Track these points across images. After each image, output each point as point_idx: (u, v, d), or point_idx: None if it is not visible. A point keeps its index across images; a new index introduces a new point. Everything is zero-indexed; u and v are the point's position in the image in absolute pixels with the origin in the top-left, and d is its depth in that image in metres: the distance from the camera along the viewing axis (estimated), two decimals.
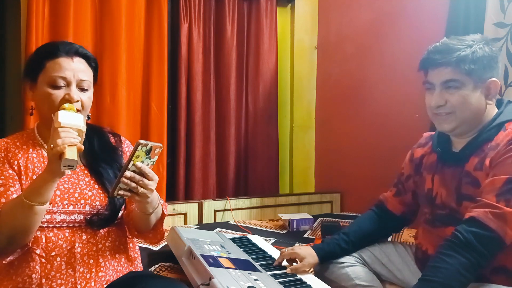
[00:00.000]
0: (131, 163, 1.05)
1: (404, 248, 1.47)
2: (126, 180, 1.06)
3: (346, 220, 2.50)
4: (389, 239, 1.66)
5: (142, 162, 1.07)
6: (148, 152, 1.06)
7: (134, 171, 1.06)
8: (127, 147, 1.37)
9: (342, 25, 2.97)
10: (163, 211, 1.26)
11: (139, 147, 1.04)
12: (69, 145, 0.99)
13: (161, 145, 1.08)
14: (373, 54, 2.70)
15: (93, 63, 1.24)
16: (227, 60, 2.83)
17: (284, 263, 1.46)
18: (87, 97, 1.19)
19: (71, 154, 0.98)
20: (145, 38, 2.54)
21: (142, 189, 1.08)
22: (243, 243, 1.71)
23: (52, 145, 0.99)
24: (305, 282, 1.30)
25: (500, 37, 1.87)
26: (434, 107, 1.24)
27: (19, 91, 2.36)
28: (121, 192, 1.08)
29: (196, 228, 2.23)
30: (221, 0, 2.81)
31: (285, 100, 3.15)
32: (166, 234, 1.80)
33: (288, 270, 1.38)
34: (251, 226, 2.42)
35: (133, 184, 1.07)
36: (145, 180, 1.08)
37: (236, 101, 2.89)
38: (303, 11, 3.12)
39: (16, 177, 1.14)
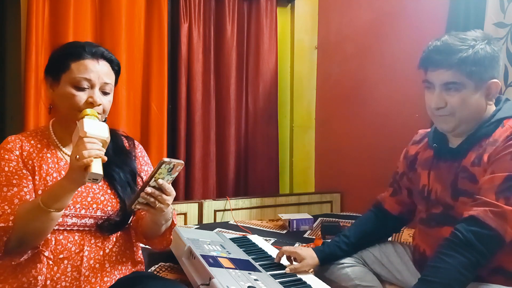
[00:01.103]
0: (153, 179, 1.06)
1: (403, 249, 1.47)
2: (145, 196, 1.06)
3: (346, 220, 2.50)
4: (389, 239, 1.66)
5: (163, 178, 1.07)
6: (170, 169, 1.07)
7: (154, 187, 1.07)
8: (140, 151, 1.36)
9: (342, 25, 2.97)
10: (173, 220, 1.26)
11: (163, 166, 1.04)
12: (95, 157, 0.98)
13: (182, 162, 1.09)
14: (373, 54, 2.70)
15: (116, 66, 1.23)
16: (227, 60, 2.83)
17: (285, 261, 1.46)
18: (108, 101, 1.19)
19: (97, 167, 0.98)
20: (145, 38, 2.55)
21: (159, 203, 1.08)
22: (243, 243, 1.71)
23: (77, 156, 0.98)
24: (305, 282, 1.30)
25: (500, 37, 1.87)
26: (434, 108, 1.24)
27: (19, 91, 2.37)
28: (138, 206, 1.09)
29: (196, 228, 2.23)
30: (221, 0, 2.81)
31: (285, 100, 3.15)
32: None
33: (287, 270, 1.38)
34: (251, 226, 2.42)
35: (152, 199, 1.07)
36: (164, 196, 1.08)
37: (236, 101, 2.89)
38: (303, 11, 3.12)
39: (29, 177, 1.13)
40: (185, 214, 2.47)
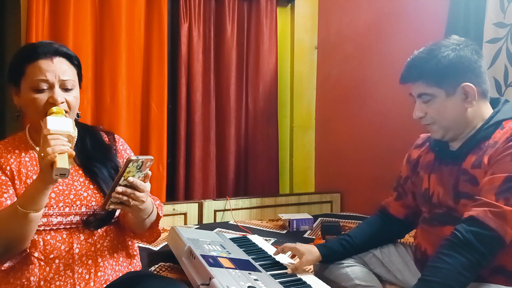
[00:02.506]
0: (122, 178, 1.04)
1: (404, 248, 1.47)
2: (117, 195, 1.05)
3: (346, 220, 2.51)
4: None
5: (134, 176, 1.06)
6: (139, 166, 1.05)
7: (125, 185, 1.06)
8: (121, 145, 1.35)
9: (342, 25, 2.97)
10: (158, 213, 1.26)
11: (130, 164, 1.03)
12: (60, 153, 0.98)
13: (152, 157, 1.07)
14: (373, 54, 2.70)
15: (75, 61, 1.21)
16: (227, 60, 2.83)
17: (285, 261, 1.46)
18: (73, 97, 1.17)
19: (62, 162, 0.97)
20: (145, 38, 2.55)
21: (133, 201, 1.07)
22: (243, 243, 1.71)
23: (42, 154, 0.98)
24: (305, 282, 1.30)
25: (500, 37, 1.87)
26: (417, 118, 1.28)
27: None
28: (112, 206, 1.08)
29: (196, 228, 2.23)
30: (221, 0, 2.81)
31: (285, 100, 3.15)
32: (165, 234, 1.81)
33: (288, 271, 1.38)
34: (251, 226, 2.42)
35: (125, 198, 1.06)
36: (137, 193, 1.07)
37: (236, 101, 2.89)
38: (303, 11, 3.13)
39: (9, 183, 1.13)
40: (185, 214, 2.48)
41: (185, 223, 2.47)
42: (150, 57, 2.55)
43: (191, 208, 2.50)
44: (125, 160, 1.30)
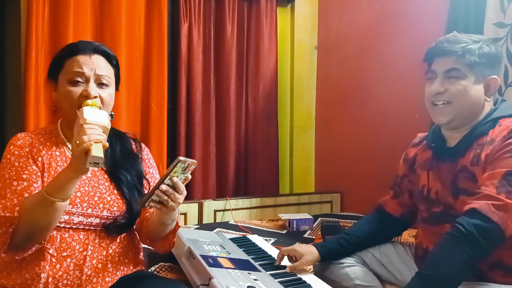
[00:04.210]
0: (168, 177, 1.07)
1: (403, 248, 1.47)
2: (160, 193, 1.08)
3: (346, 220, 2.51)
4: None
5: (177, 177, 1.09)
6: (184, 168, 1.09)
7: (167, 185, 1.09)
8: (146, 154, 1.37)
9: (342, 25, 2.97)
10: (177, 222, 1.27)
11: (178, 164, 1.06)
12: (95, 142, 0.99)
13: (196, 162, 1.11)
14: (373, 54, 2.70)
15: (113, 60, 1.24)
16: (227, 60, 2.83)
17: (285, 263, 1.46)
18: (107, 94, 1.19)
19: (97, 151, 0.98)
20: (145, 38, 2.55)
21: (171, 202, 1.10)
22: (243, 243, 1.71)
23: (77, 142, 0.99)
24: (305, 282, 1.30)
25: (500, 37, 1.87)
26: (433, 94, 1.26)
27: (19, 91, 2.37)
28: (152, 204, 1.10)
29: (196, 228, 2.23)
30: (221, 0, 2.81)
31: (285, 100, 3.15)
32: None
33: (287, 269, 1.38)
34: (251, 226, 2.42)
35: (165, 197, 1.09)
36: (176, 194, 1.10)
37: (236, 101, 2.89)
38: (303, 11, 3.13)
39: (39, 174, 1.14)
40: (185, 214, 2.48)
41: (185, 223, 2.47)
42: (150, 57, 2.55)
43: (191, 208, 2.50)
44: (148, 167, 1.34)
